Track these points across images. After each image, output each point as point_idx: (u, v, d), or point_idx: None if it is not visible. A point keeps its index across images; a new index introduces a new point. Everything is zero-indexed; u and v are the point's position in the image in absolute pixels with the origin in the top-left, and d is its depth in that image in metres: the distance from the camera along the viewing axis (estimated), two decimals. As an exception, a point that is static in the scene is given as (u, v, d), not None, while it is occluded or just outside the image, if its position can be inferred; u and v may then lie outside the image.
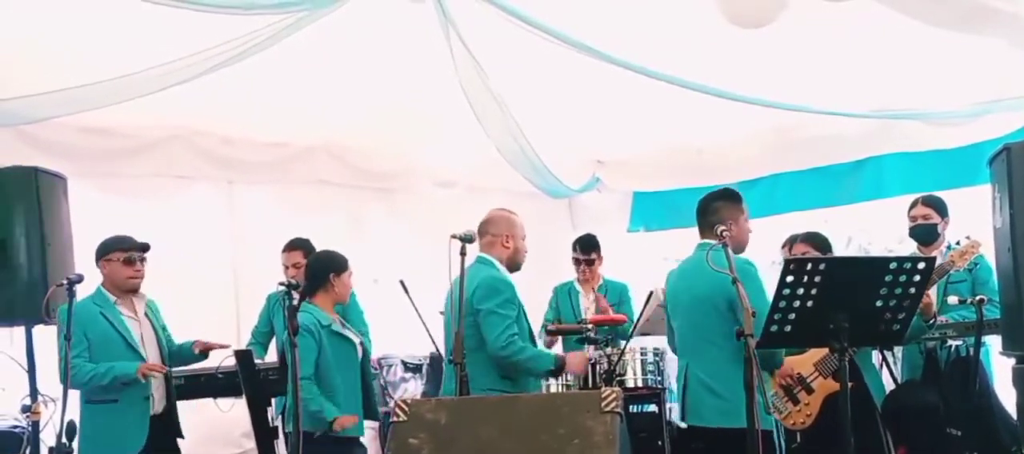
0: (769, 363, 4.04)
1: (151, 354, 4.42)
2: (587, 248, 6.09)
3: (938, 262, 4.44)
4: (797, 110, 6.15)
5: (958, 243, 4.46)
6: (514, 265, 4.28)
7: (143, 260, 4.48)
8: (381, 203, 7.45)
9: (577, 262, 6.07)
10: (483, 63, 5.06)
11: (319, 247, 4.89)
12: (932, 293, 4.38)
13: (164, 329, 4.62)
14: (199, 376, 5.00)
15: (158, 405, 4.41)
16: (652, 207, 8.05)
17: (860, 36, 5.11)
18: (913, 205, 4.89)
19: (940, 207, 4.84)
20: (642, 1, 4.69)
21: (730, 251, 3.63)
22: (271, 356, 5.52)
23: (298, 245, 5.42)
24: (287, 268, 5.40)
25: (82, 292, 4.30)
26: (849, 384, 4.50)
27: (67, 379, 4.00)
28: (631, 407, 5.68)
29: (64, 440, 3.99)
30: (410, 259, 6.59)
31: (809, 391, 4.58)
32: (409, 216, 7.41)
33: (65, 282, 4.06)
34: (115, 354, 4.29)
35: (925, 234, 4.81)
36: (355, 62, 5.33)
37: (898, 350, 5.07)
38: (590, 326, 5.37)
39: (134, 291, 4.48)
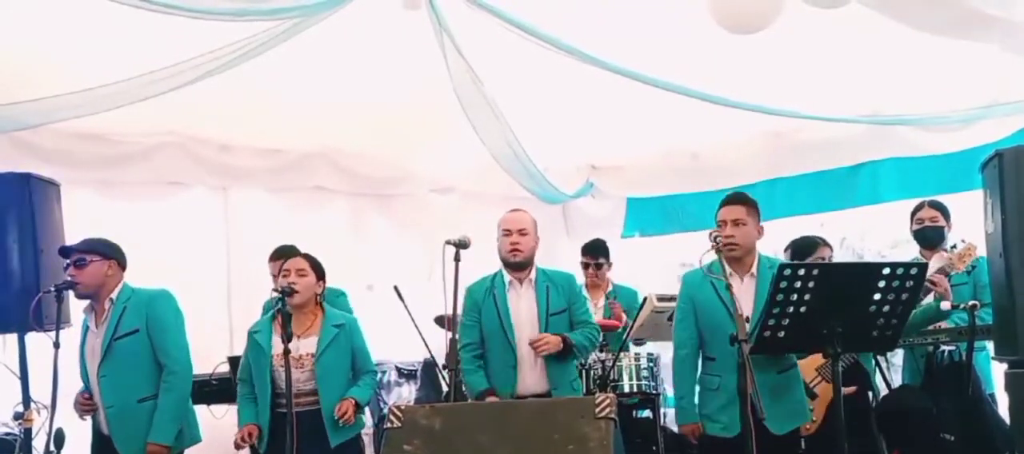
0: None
1: (90, 368, 4.13)
2: (592, 252, 6.10)
3: (938, 266, 4.45)
4: (792, 116, 6.17)
5: (954, 246, 4.47)
6: (503, 261, 4.43)
7: (76, 263, 4.05)
8: (377, 209, 7.45)
9: (585, 266, 6.07)
10: (477, 69, 5.07)
11: (316, 254, 4.86)
12: (945, 282, 4.38)
13: (161, 329, 4.10)
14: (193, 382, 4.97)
15: (106, 425, 4.11)
16: (646, 212, 8.05)
17: (854, 42, 5.13)
18: (920, 208, 4.86)
19: (946, 212, 4.83)
20: (636, 7, 4.70)
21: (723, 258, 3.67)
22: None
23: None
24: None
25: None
26: (853, 389, 4.58)
27: (55, 382, 3.94)
28: (631, 413, 5.68)
29: (52, 448, 3.94)
30: (406, 265, 6.60)
31: (812, 397, 4.57)
32: (405, 222, 7.41)
33: (52, 289, 4.02)
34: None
35: (934, 237, 4.77)
36: (351, 69, 5.34)
37: (892, 355, 5.08)
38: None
39: (84, 297, 4.15)
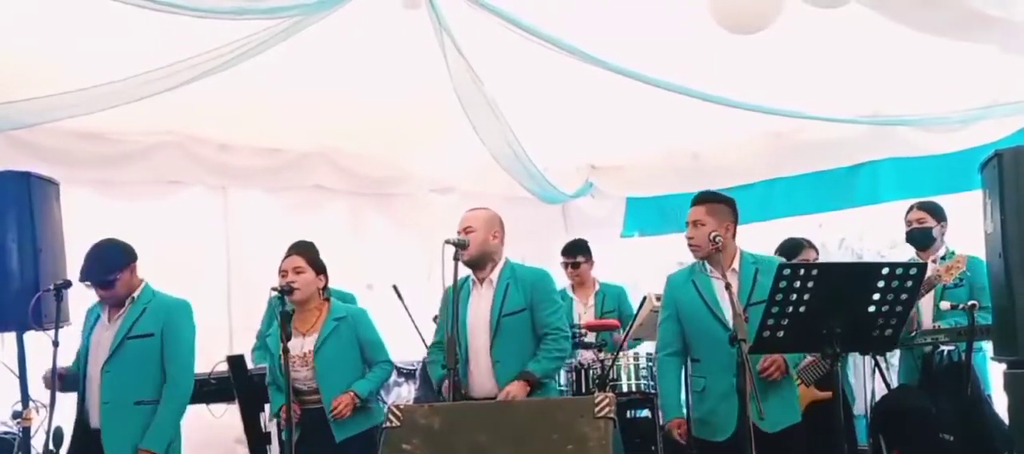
0: None
1: (92, 360, 4.09)
2: (569, 251, 6.13)
3: (925, 277, 4.47)
4: (792, 116, 6.17)
5: (944, 257, 4.51)
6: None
7: (102, 286, 4.05)
8: (376, 209, 7.44)
9: (564, 266, 6.10)
10: (477, 69, 5.07)
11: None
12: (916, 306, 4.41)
13: (174, 340, 4.09)
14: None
15: (96, 419, 4.05)
16: (646, 212, 8.06)
17: (854, 42, 5.13)
18: (909, 210, 4.95)
19: (936, 212, 4.87)
20: (636, 7, 4.70)
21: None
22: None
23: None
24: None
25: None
26: (829, 394, 4.56)
27: (54, 384, 3.96)
28: (626, 413, 5.67)
29: (51, 447, 3.94)
30: (405, 265, 6.59)
31: None
32: (404, 222, 7.40)
33: (51, 288, 4.02)
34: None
35: (921, 238, 4.84)
36: (351, 68, 5.33)
37: (891, 355, 5.09)
38: (583, 331, 5.39)
39: (118, 305, 4.13)
